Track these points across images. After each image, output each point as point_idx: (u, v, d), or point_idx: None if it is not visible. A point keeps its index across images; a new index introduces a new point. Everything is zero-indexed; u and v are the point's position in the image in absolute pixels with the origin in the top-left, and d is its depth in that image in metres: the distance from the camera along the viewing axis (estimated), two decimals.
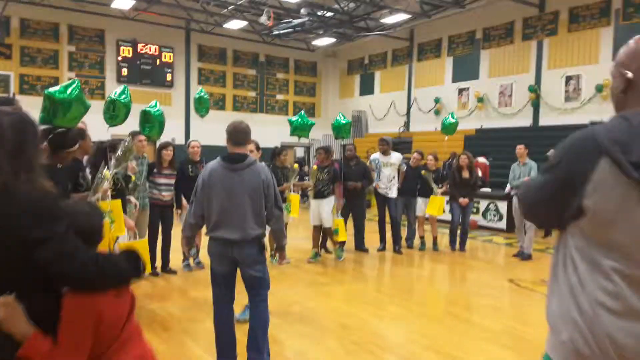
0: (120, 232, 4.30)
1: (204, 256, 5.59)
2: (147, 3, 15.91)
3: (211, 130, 14.53)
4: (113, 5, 15.62)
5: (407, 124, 19.18)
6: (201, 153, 6.42)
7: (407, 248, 8.26)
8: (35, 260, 1.50)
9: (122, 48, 17.68)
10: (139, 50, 17.96)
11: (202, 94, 7.29)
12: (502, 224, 10.52)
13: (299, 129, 7.38)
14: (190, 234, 3.66)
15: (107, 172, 4.01)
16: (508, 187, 8.20)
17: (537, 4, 15.11)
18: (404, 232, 8.33)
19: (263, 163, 4.64)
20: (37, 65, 16.27)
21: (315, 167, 7.18)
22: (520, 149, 7.72)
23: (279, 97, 21.51)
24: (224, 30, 18.52)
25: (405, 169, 8.07)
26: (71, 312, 1.56)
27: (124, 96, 4.72)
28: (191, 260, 6.50)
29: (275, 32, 17.75)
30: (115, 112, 4.91)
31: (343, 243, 7.36)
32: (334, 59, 22.37)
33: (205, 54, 19.64)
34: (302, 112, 7.77)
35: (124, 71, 17.64)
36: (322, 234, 7.39)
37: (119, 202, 4.31)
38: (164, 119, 5.29)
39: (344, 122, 7.96)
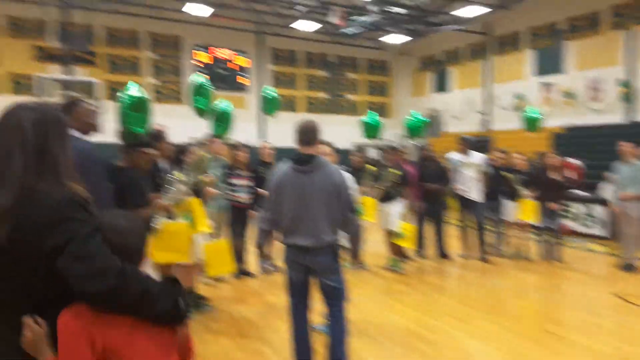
0: (202, 229, 4.36)
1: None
2: (221, 8, 16.24)
3: (284, 132, 14.56)
4: (185, 10, 16.07)
5: (486, 122, 18.31)
6: (274, 155, 6.34)
7: (494, 256, 7.72)
8: (57, 273, 1.31)
9: (197, 53, 18.22)
10: (214, 55, 18.45)
11: (272, 92, 7.12)
12: (601, 231, 9.58)
13: (371, 130, 7.11)
14: (262, 240, 3.53)
15: (179, 174, 4.02)
16: (612, 190, 7.23)
17: None
18: (490, 238, 7.81)
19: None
20: (121, 72, 17.10)
21: (392, 170, 6.69)
22: (626, 146, 6.91)
23: (350, 97, 21.31)
24: (295, 32, 18.58)
25: (488, 169, 7.56)
26: (63, 326, 1.33)
27: (203, 80, 4.90)
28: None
29: (345, 31, 17.55)
30: (202, 97, 4.97)
31: (401, 255, 6.94)
32: (405, 56, 21.84)
33: (278, 56, 19.84)
34: (372, 112, 7.46)
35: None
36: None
37: (197, 200, 4.36)
38: (231, 116, 5.30)
39: (419, 121, 7.53)
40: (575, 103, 15.57)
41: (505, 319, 4.87)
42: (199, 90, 4.89)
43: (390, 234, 6.72)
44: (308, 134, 3.32)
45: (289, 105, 19.88)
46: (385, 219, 6.74)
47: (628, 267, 6.89)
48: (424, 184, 7.25)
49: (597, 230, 9.66)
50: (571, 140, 14.22)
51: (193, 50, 18.13)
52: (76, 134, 3.10)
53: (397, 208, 6.65)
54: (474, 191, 7.45)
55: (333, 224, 3.26)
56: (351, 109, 21.07)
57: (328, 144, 4.57)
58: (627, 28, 14.09)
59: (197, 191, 4.67)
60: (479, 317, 4.92)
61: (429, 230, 7.63)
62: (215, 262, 4.49)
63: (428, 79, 21.14)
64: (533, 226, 7.84)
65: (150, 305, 1.36)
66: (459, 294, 5.92)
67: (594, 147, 12.59)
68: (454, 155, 7.73)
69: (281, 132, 15.40)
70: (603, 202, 9.19)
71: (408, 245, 6.76)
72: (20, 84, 15.72)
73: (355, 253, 3.63)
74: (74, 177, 1.45)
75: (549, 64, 16.23)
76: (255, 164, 6.27)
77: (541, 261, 7.52)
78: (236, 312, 4.86)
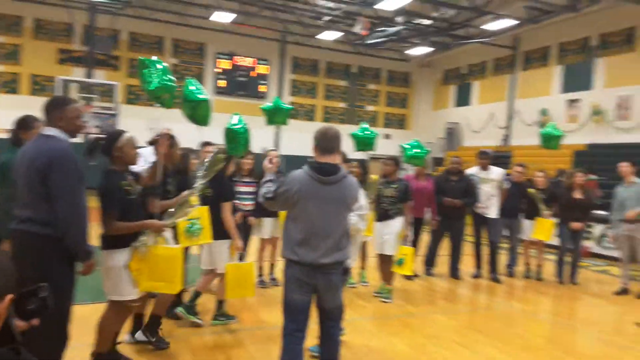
0: (206, 240, 4.20)
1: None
2: (246, 16, 16.25)
3: (300, 141, 14.45)
4: (213, 19, 16.12)
5: (506, 137, 17.84)
6: (280, 163, 6.08)
7: (507, 276, 7.35)
8: None
9: (220, 60, 18.27)
10: (235, 62, 18.48)
11: (277, 103, 6.39)
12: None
13: (362, 143, 6.31)
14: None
15: (194, 199, 3.83)
16: (616, 216, 6.66)
17: None
18: (504, 258, 7.45)
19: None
20: None
21: (374, 177, 5.88)
22: (624, 167, 6.49)
23: (369, 108, 21.07)
24: (318, 41, 18.51)
25: (507, 186, 7.21)
26: None
27: (193, 87, 4.33)
28: (266, 277, 6.23)
29: (369, 42, 17.37)
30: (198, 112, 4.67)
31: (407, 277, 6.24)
32: (428, 68, 21.53)
33: (299, 65, 19.77)
34: (365, 123, 6.66)
35: (221, 83, 18.20)
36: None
37: (206, 209, 4.18)
38: (248, 133, 5.01)
39: (412, 147, 6.37)
40: (602, 120, 15.02)
41: (514, 347, 4.52)
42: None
43: (383, 259, 5.87)
44: (332, 141, 3.05)
45: (307, 114, 19.76)
46: (379, 241, 5.82)
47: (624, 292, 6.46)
48: (444, 198, 6.87)
49: (616, 252, 9.13)
50: (592, 158, 13.67)
51: (217, 59, 18.18)
52: (59, 133, 2.91)
53: (393, 228, 5.74)
54: (492, 208, 7.12)
55: (349, 240, 3.14)
56: (370, 120, 20.81)
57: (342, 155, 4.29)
58: None
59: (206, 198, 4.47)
60: (487, 343, 4.58)
61: (444, 247, 7.29)
62: (236, 284, 4.29)
63: (450, 92, 20.77)
64: (551, 246, 7.46)
65: None
66: (467, 318, 5.57)
67: (615, 166, 12.07)
68: (472, 170, 7.40)
69: (298, 140, 15.28)
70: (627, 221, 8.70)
71: (405, 272, 5.79)
72: (39, 84, 15.92)
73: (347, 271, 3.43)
74: None
75: (577, 81, 15.74)
76: (261, 172, 6.04)
77: (557, 284, 7.14)
78: (225, 328, 4.60)
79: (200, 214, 4.10)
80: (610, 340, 4.88)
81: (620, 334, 5.20)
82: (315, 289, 3.02)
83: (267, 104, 5.98)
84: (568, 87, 16.06)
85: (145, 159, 4.20)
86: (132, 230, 3.33)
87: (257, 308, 5.25)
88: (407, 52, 19.60)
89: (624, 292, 6.62)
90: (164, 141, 3.81)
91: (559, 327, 5.42)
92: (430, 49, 19.03)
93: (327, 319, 3.13)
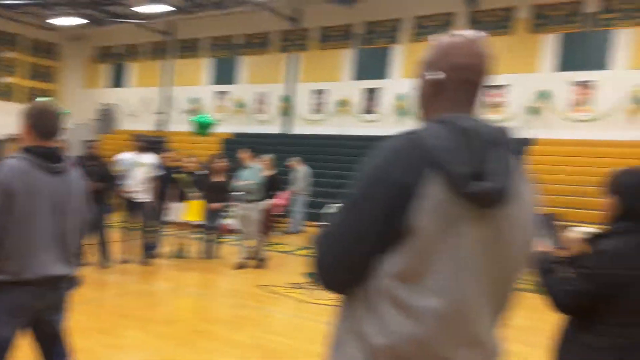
0: None
1: None
2: None
3: None
4: None
5: (162, 122, 18.24)
6: None
7: (155, 258, 7.61)
8: None
9: None
10: None
11: None
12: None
13: None
14: None
15: None
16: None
17: (292, 19, 16.07)
18: (152, 240, 7.68)
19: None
20: None
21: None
22: (243, 153, 7.64)
23: (6, 79, 18.02)
24: None
25: (159, 170, 7.43)
26: None
27: None
28: None
29: (3, 2, 14.81)
30: None
31: None
32: (79, 42, 19.87)
33: None
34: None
35: None
36: None
37: None
38: None
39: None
40: (244, 113, 17.10)
41: (158, 324, 4.75)
42: None
43: None
44: (56, 122, 2.35)
45: None
46: None
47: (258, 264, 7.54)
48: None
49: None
50: (238, 145, 15.51)
51: None
52: None
53: None
54: (143, 192, 7.19)
55: (77, 246, 2.51)
56: (5, 94, 17.83)
57: None
58: (291, 52, 16.28)
59: None
60: (131, 326, 4.67)
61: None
62: None
63: (103, 71, 19.76)
64: (197, 225, 8.12)
65: None
66: (111, 304, 5.52)
67: (256, 153, 14.01)
68: (126, 155, 7.31)
69: None
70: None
71: None
72: None
73: None
74: None
75: (224, 74, 17.37)
76: None
77: (202, 259, 7.82)
78: None
79: None
80: (243, 304, 5.68)
81: (250, 296, 6.10)
82: (38, 312, 2.34)
83: None
84: (217, 79, 17.57)
85: None
86: None
87: None
88: (52, 21, 17.58)
89: (242, 266, 7.57)
90: None
91: (202, 299, 5.99)
92: (80, 21, 17.60)
93: (53, 344, 2.50)
